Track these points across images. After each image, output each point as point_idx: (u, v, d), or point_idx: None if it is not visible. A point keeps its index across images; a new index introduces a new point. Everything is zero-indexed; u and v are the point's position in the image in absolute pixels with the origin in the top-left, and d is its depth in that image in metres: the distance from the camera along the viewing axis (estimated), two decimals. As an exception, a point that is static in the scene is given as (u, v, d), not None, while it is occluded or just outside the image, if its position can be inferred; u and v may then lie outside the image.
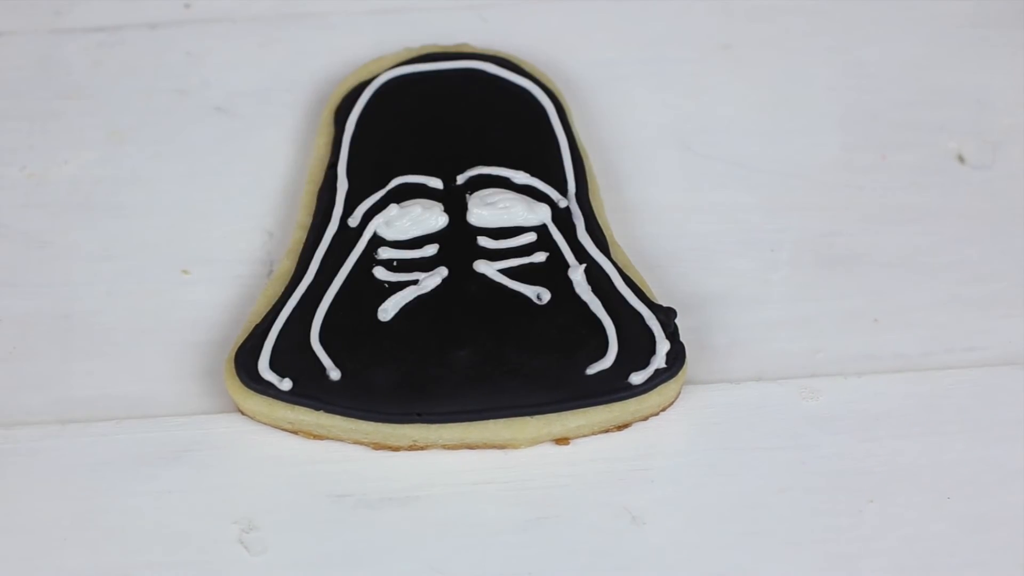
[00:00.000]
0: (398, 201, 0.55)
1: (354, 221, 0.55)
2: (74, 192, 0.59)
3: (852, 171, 0.59)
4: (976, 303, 0.55)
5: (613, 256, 0.54)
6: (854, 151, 0.60)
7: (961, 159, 0.60)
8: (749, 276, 0.56)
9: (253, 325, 0.53)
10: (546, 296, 0.53)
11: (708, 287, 0.56)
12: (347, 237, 0.55)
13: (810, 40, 0.63)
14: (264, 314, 0.53)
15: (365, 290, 0.53)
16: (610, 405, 0.51)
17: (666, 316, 0.52)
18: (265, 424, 0.52)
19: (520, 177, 0.56)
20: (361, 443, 0.52)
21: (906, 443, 0.52)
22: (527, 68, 0.60)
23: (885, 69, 0.62)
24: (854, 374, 0.54)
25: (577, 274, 0.53)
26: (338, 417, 0.51)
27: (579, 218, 0.55)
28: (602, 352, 0.52)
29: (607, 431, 0.52)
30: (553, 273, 0.54)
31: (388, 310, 0.53)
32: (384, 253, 0.54)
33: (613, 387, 0.51)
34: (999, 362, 0.54)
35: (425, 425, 0.51)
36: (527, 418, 0.51)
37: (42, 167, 0.59)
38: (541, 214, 0.55)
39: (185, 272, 0.56)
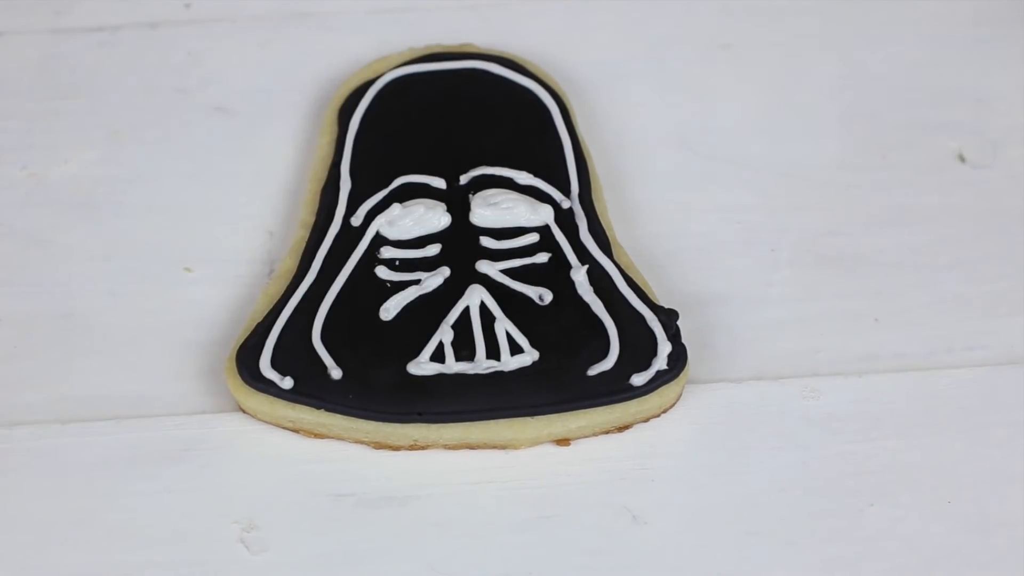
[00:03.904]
0: (401, 201, 0.55)
1: (357, 220, 0.55)
2: (75, 191, 0.59)
3: (853, 171, 0.59)
4: (977, 303, 0.55)
5: (615, 257, 0.54)
6: (855, 151, 0.60)
7: (961, 159, 0.60)
8: (750, 276, 0.56)
9: (255, 323, 0.53)
10: (548, 297, 0.53)
11: (709, 287, 0.56)
12: (350, 236, 0.55)
13: (811, 40, 0.63)
14: (266, 312, 0.53)
15: (367, 289, 0.53)
16: (611, 406, 0.51)
17: (668, 318, 0.52)
18: (266, 423, 0.52)
19: (523, 178, 0.56)
20: (362, 442, 0.52)
21: (907, 443, 0.52)
22: (531, 69, 0.60)
23: (885, 69, 0.62)
24: (855, 374, 0.54)
25: (579, 275, 0.53)
26: (339, 416, 0.51)
27: (582, 219, 0.55)
28: (604, 353, 0.52)
29: (608, 432, 0.52)
30: (555, 274, 0.53)
31: (390, 309, 0.53)
32: (386, 252, 0.54)
33: (614, 388, 0.51)
34: (1000, 362, 0.54)
35: (426, 425, 0.51)
36: (528, 418, 0.51)
37: (43, 166, 0.59)
38: (544, 215, 0.55)
39: (188, 270, 0.56)
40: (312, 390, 0.51)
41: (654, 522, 0.50)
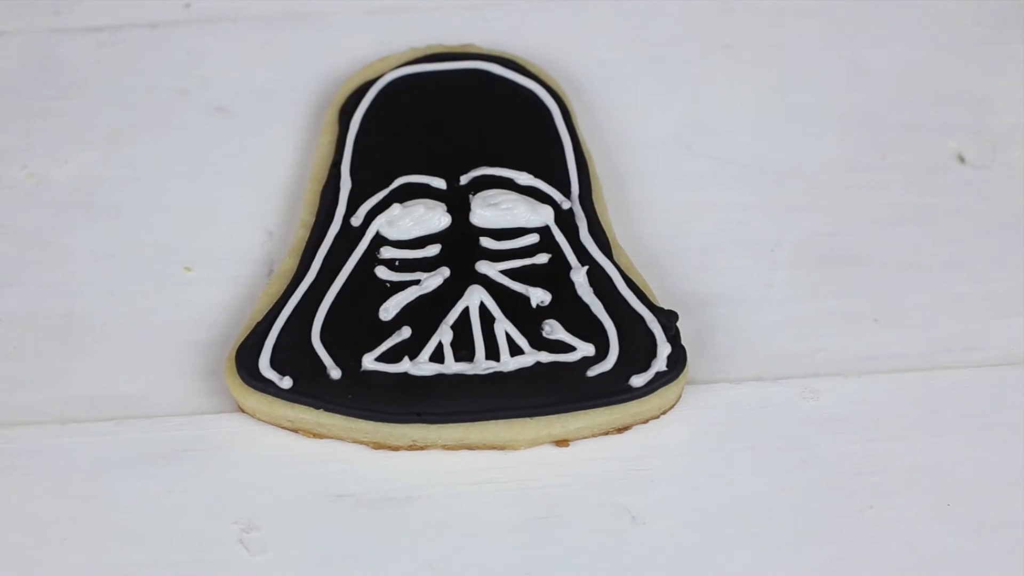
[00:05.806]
0: (401, 201, 0.55)
1: (357, 220, 0.55)
2: (74, 192, 0.59)
3: (852, 171, 0.59)
4: (976, 303, 0.55)
5: (615, 258, 0.54)
6: (854, 151, 0.60)
7: (961, 159, 0.60)
8: (750, 276, 0.56)
9: (254, 323, 0.53)
10: (548, 298, 0.53)
11: (709, 287, 0.56)
12: (350, 236, 0.55)
13: (811, 40, 0.63)
14: (265, 312, 0.53)
15: (367, 289, 0.53)
16: (610, 407, 0.51)
17: (667, 319, 0.52)
18: (265, 422, 0.52)
19: (524, 178, 0.56)
20: (361, 442, 0.52)
21: (906, 443, 0.52)
22: (532, 69, 0.60)
23: (885, 69, 0.62)
24: (854, 374, 0.54)
25: (579, 276, 0.53)
26: (338, 416, 0.51)
27: (582, 220, 0.55)
28: (603, 354, 0.52)
29: (607, 433, 0.52)
30: (555, 275, 0.53)
31: (389, 309, 0.53)
32: (386, 252, 0.54)
33: (614, 389, 0.51)
34: (999, 362, 0.54)
35: (425, 425, 0.51)
36: (527, 419, 0.51)
37: (43, 166, 0.59)
38: (544, 215, 0.55)
39: (188, 269, 0.56)
40: (311, 390, 0.51)
41: (653, 522, 0.50)
